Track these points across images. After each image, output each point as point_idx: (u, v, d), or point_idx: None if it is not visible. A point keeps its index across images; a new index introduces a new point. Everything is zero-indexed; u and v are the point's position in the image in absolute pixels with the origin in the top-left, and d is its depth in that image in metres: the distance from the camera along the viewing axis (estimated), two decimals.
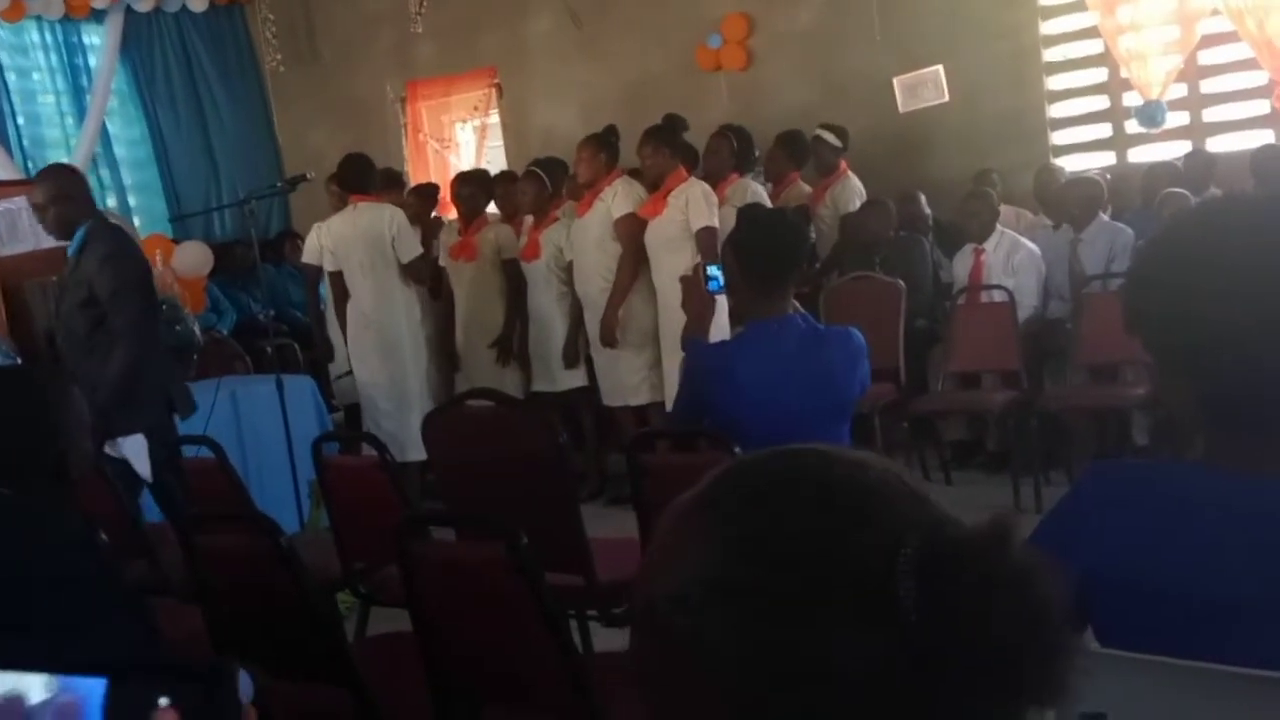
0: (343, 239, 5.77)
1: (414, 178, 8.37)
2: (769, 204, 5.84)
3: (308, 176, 5.80)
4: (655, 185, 5.63)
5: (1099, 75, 6.99)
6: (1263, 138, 6.36)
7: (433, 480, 5.13)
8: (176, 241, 7.93)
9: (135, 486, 4.08)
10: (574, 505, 3.28)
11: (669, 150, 5.61)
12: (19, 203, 5.92)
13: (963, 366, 5.64)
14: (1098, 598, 1.25)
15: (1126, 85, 6.71)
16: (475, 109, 8.96)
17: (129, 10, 8.86)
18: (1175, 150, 6.55)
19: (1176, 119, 6.60)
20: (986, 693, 0.69)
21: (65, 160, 8.45)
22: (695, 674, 0.73)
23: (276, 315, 7.12)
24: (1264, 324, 1.20)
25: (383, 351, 5.75)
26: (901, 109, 7.10)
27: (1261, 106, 6.50)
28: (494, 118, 8.93)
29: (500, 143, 8.94)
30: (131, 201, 9.14)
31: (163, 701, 0.80)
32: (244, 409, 5.46)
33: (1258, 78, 6.40)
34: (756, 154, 6.62)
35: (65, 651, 1.61)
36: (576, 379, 6.01)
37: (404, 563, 2.38)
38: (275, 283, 8.26)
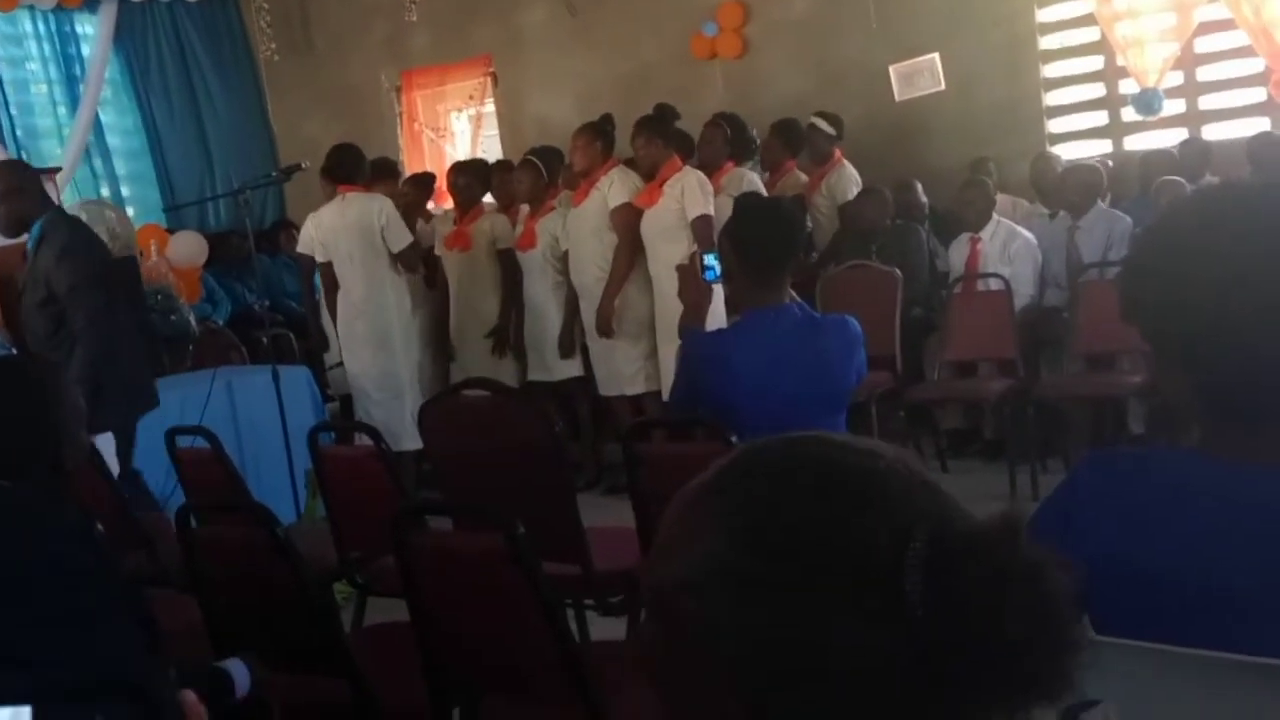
0: (332, 230, 5.74)
1: (409, 167, 8.35)
2: (765, 193, 5.83)
3: (302, 166, 5.77)
4: (650, 175, 5.63)
5: (1095, 63, 6.98)
6: (1259, 125, 6.36)
7: (428, 469, 5.14)
8: (171, 232, 7.93)
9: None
10: (570, 495, 3.28)
11: (661, 140, 5.60)
12: None
13: (959, 355, 5.64)
14: (1093, 586, 1.25)
15: (1123, 73, 6.71)
16: (470, 98, 8.94)
17: None
18: (1172, 138, 6.55)
19: (1173, 106, 6.60)
20: (992, 687, 0.69)
21: (58, 151, 8.47)
22: (702, 659, 0.74)
23: (272, 305, 7.11)
24: (1260, 312, 1.19)
25: (374, 342, 5.73)
26: (897, 97, 7.09)
27: (1258, 94, 6.50)
28: (489, 107, 8.92)
29: (495, 132, 8.93)
30: (125, 192, 9.11)
31: None
32: (240, 399, 5.46)
33: (1254, 65, 6.40)
34: (756, 143, 6.60)
35: (62, 646, 1.60)
36: (572, 369, 6.01)
37: (401, 553, 2.38)
38: (270, 273, 8.25)
